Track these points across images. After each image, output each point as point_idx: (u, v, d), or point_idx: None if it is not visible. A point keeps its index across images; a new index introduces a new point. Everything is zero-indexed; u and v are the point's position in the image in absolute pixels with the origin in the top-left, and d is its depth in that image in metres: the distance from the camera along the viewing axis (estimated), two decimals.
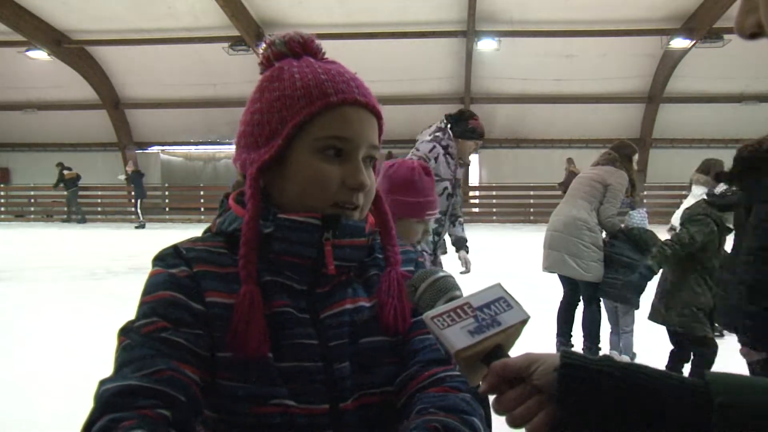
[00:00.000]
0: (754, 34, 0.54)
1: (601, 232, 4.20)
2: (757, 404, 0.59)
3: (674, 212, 5.52)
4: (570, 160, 14.88)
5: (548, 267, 4.30)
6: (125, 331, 0.77)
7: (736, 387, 0.61)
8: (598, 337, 4.24)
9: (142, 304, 0.79)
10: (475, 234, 14.61)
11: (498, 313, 0.71)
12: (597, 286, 4.15)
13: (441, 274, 0.76)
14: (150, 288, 0.80)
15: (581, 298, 4.31)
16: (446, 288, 0.74)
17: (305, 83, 0.81)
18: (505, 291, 0.74)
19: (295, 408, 0.78)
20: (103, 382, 0.72)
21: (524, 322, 0.72)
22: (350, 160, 0.82)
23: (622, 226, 4.27)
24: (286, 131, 0.80)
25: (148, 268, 0.83)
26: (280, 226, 0.81)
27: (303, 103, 0.80)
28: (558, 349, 4.19)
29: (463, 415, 0.77)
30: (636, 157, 4.34)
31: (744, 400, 0.59)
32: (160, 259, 0.83)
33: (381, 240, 0.91)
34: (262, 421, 0.77)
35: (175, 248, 0.83)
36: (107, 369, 0.75)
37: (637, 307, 4.11)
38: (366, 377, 0.83)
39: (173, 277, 0.80)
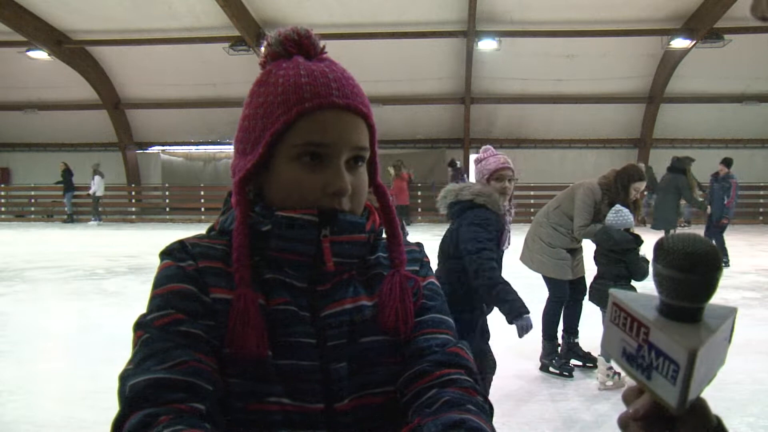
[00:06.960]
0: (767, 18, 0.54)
1: (554, 229, 4.31)
2: None
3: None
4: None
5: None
6: (141, 326, 0.77)
7: None
8: (550, 332, 4.29)
9: (154, 296, 0.79)
10: None
11: (660, 368, 0.52)
12: (552, 281, 4.25)
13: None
14: (161, 280, 0.80)
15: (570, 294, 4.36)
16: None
17: (285, 89, 0.81)
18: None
19: (290, 406, 0.78)
20: (125, 377, 0.72)
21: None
22: (330, 165, 0.81)
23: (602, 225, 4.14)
24: (266, 140, 0.81)
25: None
26: (277, 224, 0.81)
27: (281, 111, 0.80)
28: (565, 341, 4.28)
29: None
30: (637, 185, 4.11)
31: None
32: (168, 253, 0.83)
33: (387, 239, 0.90)
34: (258, 418, 0.77)
35: (181, 243, 0.84)
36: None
37: None
38: (366, 377, 0.83)
39: (183, 270, 0.80)
